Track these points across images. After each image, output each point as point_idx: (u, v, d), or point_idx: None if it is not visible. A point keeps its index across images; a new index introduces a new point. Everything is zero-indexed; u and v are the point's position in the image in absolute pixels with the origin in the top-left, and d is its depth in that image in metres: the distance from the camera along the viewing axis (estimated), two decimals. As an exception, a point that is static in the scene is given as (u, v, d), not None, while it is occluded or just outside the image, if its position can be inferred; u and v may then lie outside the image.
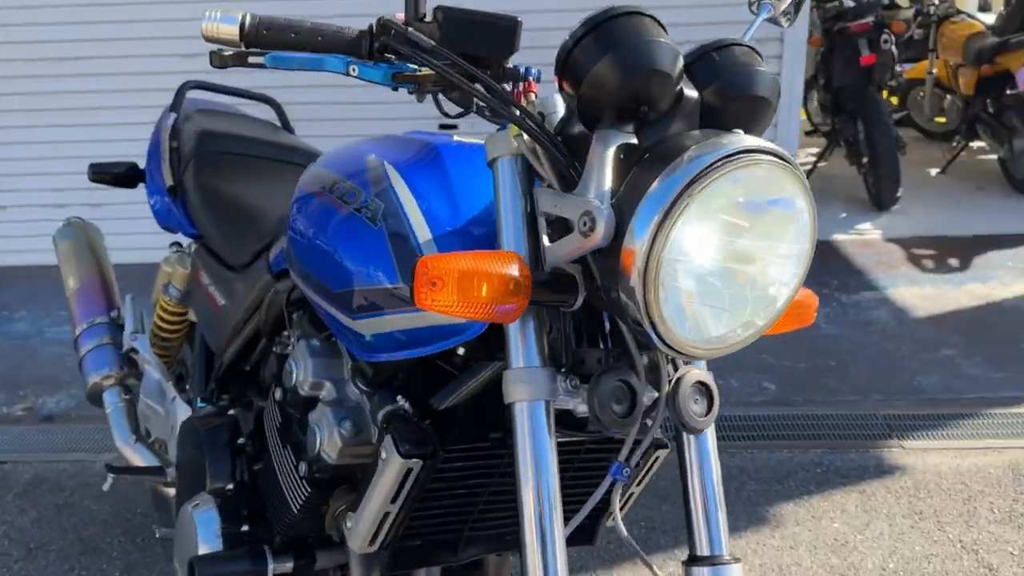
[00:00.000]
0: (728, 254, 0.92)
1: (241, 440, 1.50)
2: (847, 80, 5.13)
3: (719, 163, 0.88)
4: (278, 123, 2.43)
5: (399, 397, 1.14)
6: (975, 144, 6.24)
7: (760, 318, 0.97)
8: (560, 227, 1.00)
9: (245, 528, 1.38)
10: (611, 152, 0.94)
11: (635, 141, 0.95)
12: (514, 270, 0.91)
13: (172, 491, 1.90)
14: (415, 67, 1.03)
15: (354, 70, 1.03)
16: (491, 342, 1.10)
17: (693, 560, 1.10)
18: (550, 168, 0.99)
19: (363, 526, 1.14)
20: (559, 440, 1.07)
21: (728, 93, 0.99)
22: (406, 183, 1.18)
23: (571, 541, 1.32)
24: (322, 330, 1.38)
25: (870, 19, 4.99)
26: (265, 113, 2.38)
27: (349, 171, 1.29)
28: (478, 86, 1.01)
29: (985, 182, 5.80)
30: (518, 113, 0.99)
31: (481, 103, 1.06)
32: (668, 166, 0.89)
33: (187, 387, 1.97)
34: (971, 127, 5.89)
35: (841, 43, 5.09)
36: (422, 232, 1.13)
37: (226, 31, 1.04)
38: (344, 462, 1.21)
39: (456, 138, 1.30)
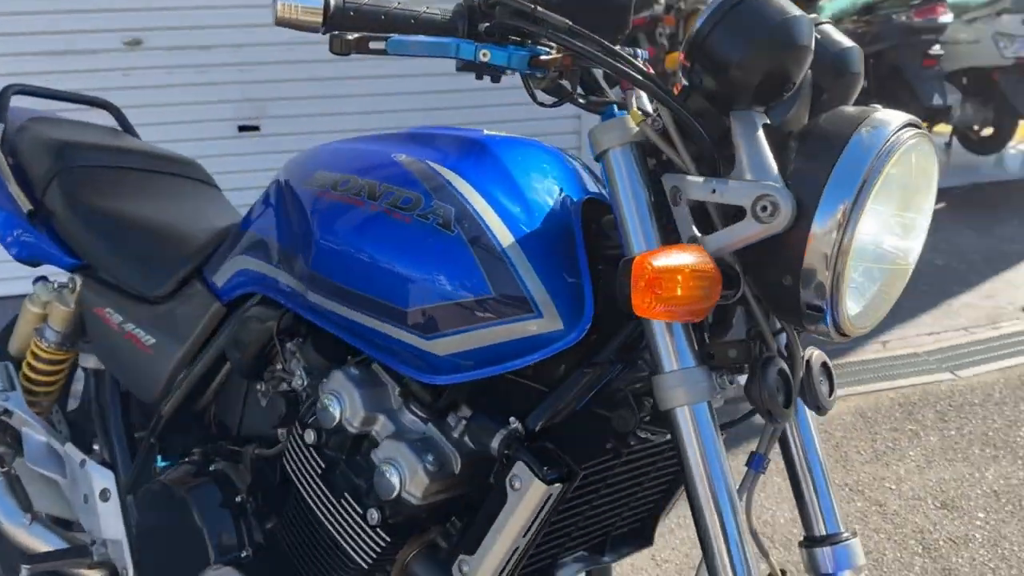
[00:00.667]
0: (897, 229, 0.92)
1: (239, 498, 1.28)
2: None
3: (892, 138, 0.88)
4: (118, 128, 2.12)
5: (511, 419, 1.03)
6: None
7: (893, 291, 0.98)
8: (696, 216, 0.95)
9: (289, 598, 1.18)
10: (760, 133, 0.90)
11: (767, 121, 0.93)
12: (710, 263, 0.85)
13: (93, 572, 1.59)
14: (546, 50, 0.92)
15: (485, 55, 0.90)
16: (579, 348, 1.02)
17: (812, 541, 1.10)
18: (687, 154, 0.94)
19: (488, 568, 1.02)
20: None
21: (836, 70, 0.99)
22: (469, 183, 1.07)
23: (629, 543, 1.28)
24: (332, 358, 1.22)
25: (646, 14, 5.31)
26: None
27: (372, 172, 1.14)
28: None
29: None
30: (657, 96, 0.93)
31: (581, 90, 0.99)
32: (846, 145, 0.87)
33: (94, 446, 1.65)
34: (726, 111, 6.49)
35: (622, 37, 5.37)
36: (503, 235, 1.03)
37: (307, 13, 0.88)
38: (429, 501, 1.07)
39: (485, 131, 1.20)
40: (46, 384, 1.74)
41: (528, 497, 0.98)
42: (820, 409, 1.03)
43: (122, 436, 1.57)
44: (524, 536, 1.01)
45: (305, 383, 1.24)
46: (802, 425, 1.12)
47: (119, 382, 1.61)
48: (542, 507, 0.99)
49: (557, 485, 0.98)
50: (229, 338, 1.35)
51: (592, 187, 1.13)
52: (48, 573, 1.64)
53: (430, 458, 1.07)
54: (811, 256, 0.87)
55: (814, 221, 0.86)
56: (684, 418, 0.93)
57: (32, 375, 1.73)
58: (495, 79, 0.99)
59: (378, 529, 1.09)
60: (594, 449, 1.05)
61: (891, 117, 0.90)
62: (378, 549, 1.09)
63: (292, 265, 1.21)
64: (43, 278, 1.76)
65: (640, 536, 1.29)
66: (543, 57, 0.91)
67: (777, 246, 0.89)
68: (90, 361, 1.67)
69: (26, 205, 1.69)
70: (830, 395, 1.05)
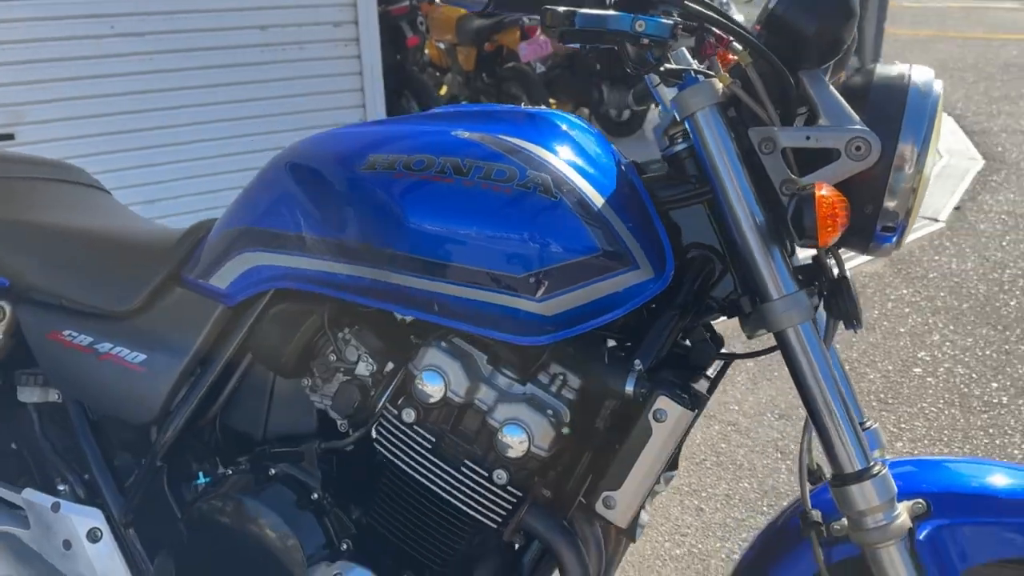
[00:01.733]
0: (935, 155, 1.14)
1: (315, 495, 1.24)
2: (395, 60, 5.47)
3: (936, 84, 1.10)
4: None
5: (636, 361, 1.12)
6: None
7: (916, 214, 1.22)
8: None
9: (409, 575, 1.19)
10: (832, 88, 1.09)
11: None
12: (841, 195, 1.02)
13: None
14: (679, 20, 1.02)
15: (640, 25, 0.98)
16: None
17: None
18: (772, 106, 1.09)
19: (637, 495, 1.12)
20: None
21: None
22: (547, 150, 1.15)
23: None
24: (395, 339, 1.25)
25: (407, 2, 5.39)
26: None
27: (445, 150, 1.17)
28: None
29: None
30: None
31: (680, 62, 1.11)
32: (908, 91, 1.07)
33: (59, 487, 1.46)
34: (475, 98, 6.76)
35: (386, 26, 5.40)
36: (594, 196, 1.13)
37: None
38: (552, 452, 1.15)
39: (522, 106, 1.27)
40: (-36, 430, 1.51)
41: (675, 426, 1.09)
42: (860, 319, 1.24)
43: (104, 468, 1.42)
44: (667, 462, 1.12)
45: (374, 368, 1.24)
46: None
47: (86, 411, 1.45)
48: (683, 433, 1.11)
49: (697, 411, 1.10)
50: (258, 340, 1.29)
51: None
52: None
53: (550, 412, 1.14)
54: (892, 186, 1.06)
55: (896, 156, 1.06)
56: (795, 337, 1.09)
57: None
58: (589, 49, 1.07)
59: (508, 487, 1.14)
60: (695, 379, 1.18)
61: (922, 69, 1.12)
62: (508, 507, 1.15)
63: (352, 251, 1.19)
64: (-60, 310, 1.52)
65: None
66: (681, 27, 1.01)
67: (860, 180, 1.07)
68: (34, 395, 1.48)
69: None
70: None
